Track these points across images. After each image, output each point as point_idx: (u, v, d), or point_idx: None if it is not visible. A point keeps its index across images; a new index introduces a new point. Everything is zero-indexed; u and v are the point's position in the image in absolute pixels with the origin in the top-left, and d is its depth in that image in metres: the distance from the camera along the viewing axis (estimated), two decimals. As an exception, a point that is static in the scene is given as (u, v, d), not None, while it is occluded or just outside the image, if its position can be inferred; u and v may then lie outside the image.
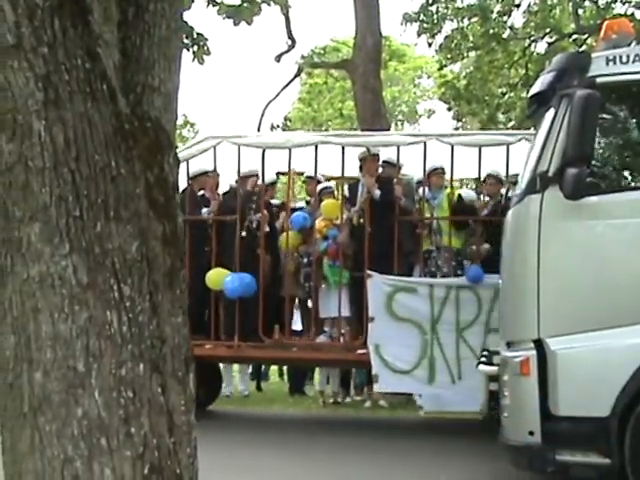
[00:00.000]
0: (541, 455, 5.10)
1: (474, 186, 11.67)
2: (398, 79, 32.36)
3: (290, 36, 16.76)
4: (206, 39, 7.53)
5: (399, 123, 33.84)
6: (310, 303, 9.25)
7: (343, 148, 8.52)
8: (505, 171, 8.40)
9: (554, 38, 17.04)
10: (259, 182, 8.95)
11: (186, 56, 7.29)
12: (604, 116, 5.48)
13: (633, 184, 5.61)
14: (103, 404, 2.25)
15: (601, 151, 5.53)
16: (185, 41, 7.21)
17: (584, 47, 15.55)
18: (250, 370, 12.01)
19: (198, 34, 7.50)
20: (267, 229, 8.96)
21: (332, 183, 9.64)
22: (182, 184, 7.01)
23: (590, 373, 5.04)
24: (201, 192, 9.19)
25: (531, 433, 5.10)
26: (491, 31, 16.27)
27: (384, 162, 9.00)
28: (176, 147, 2.64)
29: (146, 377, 2.32)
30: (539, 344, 5.16)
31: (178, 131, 25.73)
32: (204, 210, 9.00)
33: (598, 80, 5.19)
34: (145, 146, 2.41)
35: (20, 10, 2.24)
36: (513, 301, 5.66)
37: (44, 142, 2.26)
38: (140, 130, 2.42)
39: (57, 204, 2.27)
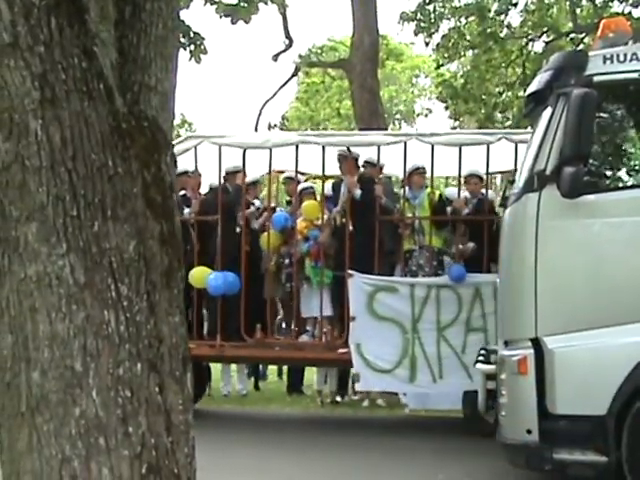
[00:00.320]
0: (539, 453, 5.11)
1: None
2: (395, 78, 32.41)
3: (287, 35, 16.80)
4: (203, 38, 7.52)
5: (396, 122, 33.86)
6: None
7: (323, 148, 8.48)
8: (485, 170, 8.43)
9: (551, 37, 17.06)
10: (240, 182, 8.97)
11: (183, 55, 7.29)
12: (601, 115, 5.48)
13: (630, 183, 5.63)
14: (101, 403, 2.25)
15: (598, 150, 5.53)
16: (182, 40, 7.20)
17: (581, 46, 15.59)
18: (247, 371, 12.00)
19: (195, 33, 7.49)
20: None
21: (312, 183, 9.63)
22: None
23: (587, 371, 5.05)
24: (182, 192, 9.17)
25: (529, 431, 5.11)
26: (488, 30, 16.27)
27: (365, 162, 8.98)
28: (173, 146, 2.64)
29: (144, 376, 2.32)
30: (536, 343, 5.17)
31: (175, 130, 25.68)
32: (186, 210, 9.00)
33: (595, 79, 5.19)
34: (142, 145, 2.41)
35: (16, 9, 2.24)
36: (511, 300, 5.66)
37: (41, 141, 2.26)
38: (137, 129, 2.42)
39: (54, 203, 2.26)
